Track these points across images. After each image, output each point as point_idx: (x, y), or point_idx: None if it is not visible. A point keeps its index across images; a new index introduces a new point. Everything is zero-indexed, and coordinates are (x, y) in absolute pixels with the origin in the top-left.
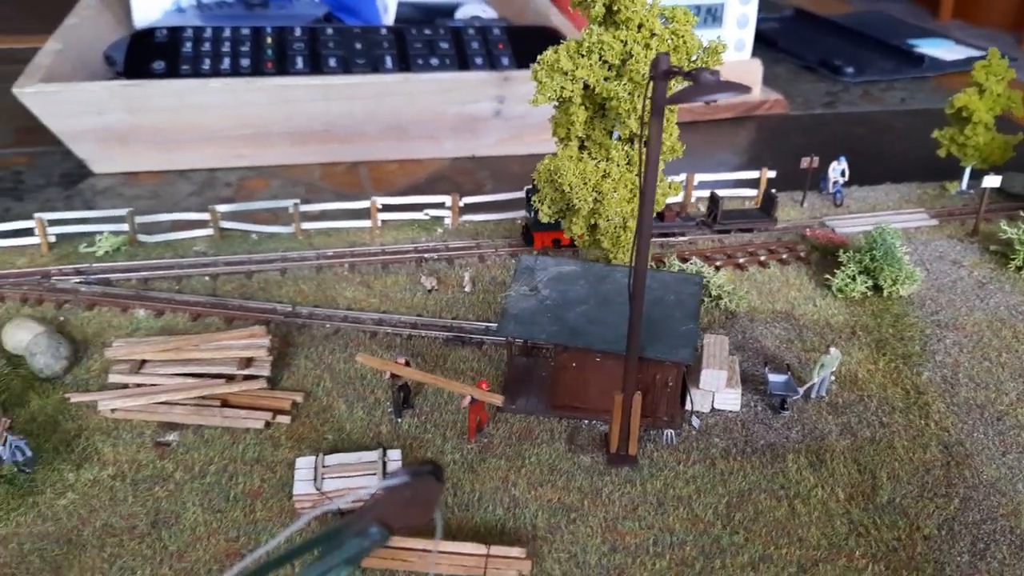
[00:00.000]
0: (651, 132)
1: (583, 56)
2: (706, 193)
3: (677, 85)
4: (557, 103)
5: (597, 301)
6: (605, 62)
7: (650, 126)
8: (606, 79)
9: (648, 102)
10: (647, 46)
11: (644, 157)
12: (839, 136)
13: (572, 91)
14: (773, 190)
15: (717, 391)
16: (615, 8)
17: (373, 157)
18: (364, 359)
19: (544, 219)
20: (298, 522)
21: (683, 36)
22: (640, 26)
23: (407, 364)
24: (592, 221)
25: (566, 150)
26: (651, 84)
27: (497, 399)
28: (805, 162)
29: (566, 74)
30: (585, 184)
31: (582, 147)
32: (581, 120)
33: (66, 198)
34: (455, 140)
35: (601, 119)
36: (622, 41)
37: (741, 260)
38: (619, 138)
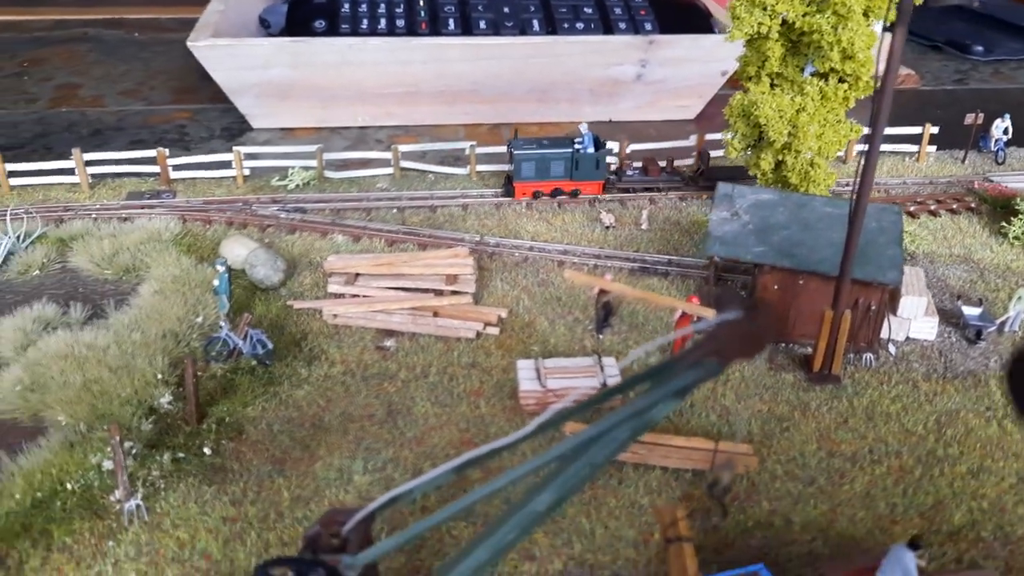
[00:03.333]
0: (894, 40)
1: None
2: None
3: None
4: (747, 40)
5: (799, 227)
6: None
7: (894, 31)
8: (805, 15)
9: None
10: None
11: (881, 71)
12: (975, 111)
13: (769, 27)
14: None
15: (915, 319)
16: None
17: (514, 119)
18: (572, 276)
19: (733, 154)
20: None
21: None
22: None
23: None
24: (780, 157)
25: (758, 86)
26: None
27: (708, 312)
28: (969, 118)
29: (765, 9)
30: (781, 118)
31: (772, 85)
32: (777, 56)
33: (229, 150)
34: (594, 104)
35: (793, 56)
36: None
37: (911, 208)
38: (813, 73)
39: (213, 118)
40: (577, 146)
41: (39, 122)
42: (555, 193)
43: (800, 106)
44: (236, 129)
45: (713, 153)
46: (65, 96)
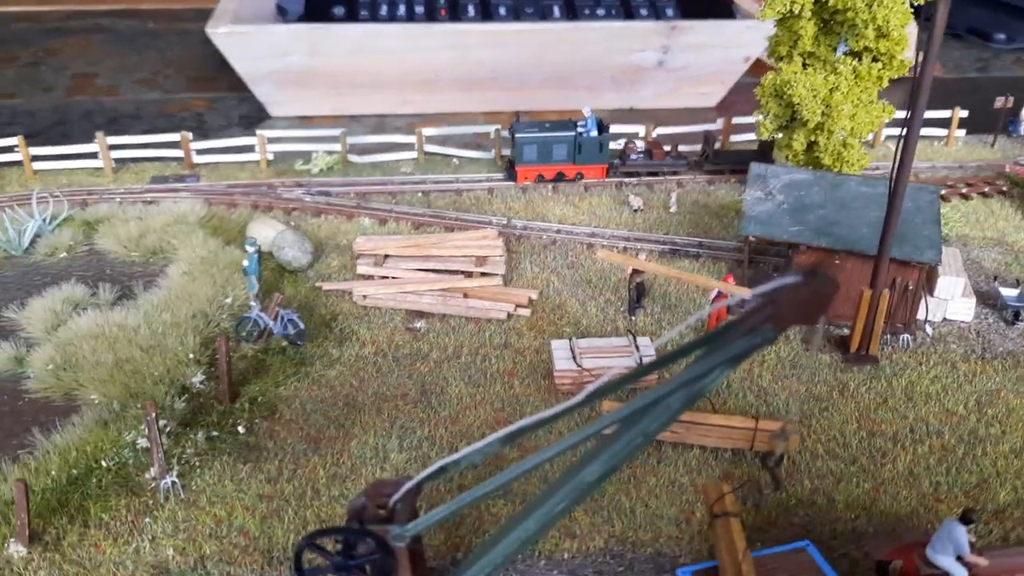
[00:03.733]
0: (936, 15)
1: None
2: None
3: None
4: (778, 20)
5: (835, 206)
6: None
7: (936, 6)
8: None
9: None
10: None
11: (929, 42)
12: (1004, 95)
13: (802, 5)
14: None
15: (952, 299)
16: None
17: (533, 107)
18: (605, 255)
19: (765, 135)
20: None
21: None
22: None
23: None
24: (812, 137)
25: (790, 66)
26: None
27: (745, 291)
28: (999, 102)
29: None
30: (814, 97)
31: (804, 64)
32: (809, 35)
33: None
34: (614, 92)
35: (826, 35)
36: None
37: (943, 192)
38: (846, 52)
39: (231, 106)
40: (580, 129)
41: (56, 110)
42: (558, 177)
43: (833, 85)
44: (254, 117)
45: (733, 138)
46: (81, 85)
